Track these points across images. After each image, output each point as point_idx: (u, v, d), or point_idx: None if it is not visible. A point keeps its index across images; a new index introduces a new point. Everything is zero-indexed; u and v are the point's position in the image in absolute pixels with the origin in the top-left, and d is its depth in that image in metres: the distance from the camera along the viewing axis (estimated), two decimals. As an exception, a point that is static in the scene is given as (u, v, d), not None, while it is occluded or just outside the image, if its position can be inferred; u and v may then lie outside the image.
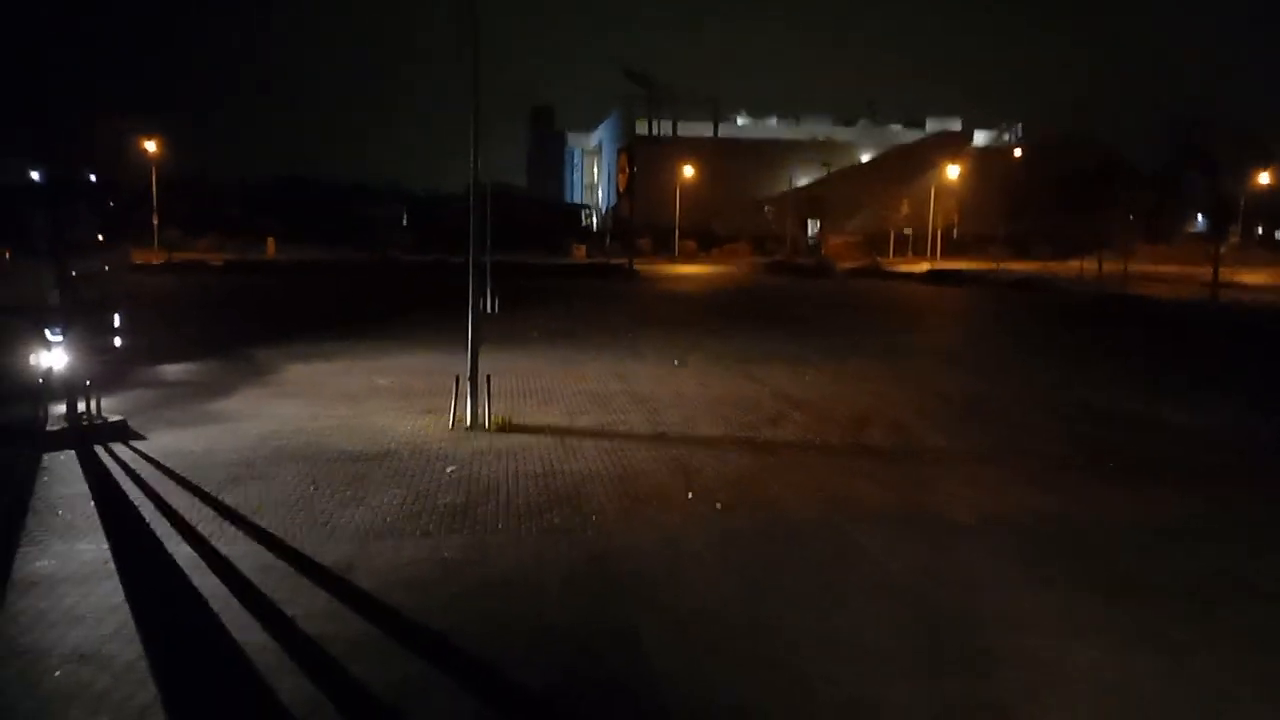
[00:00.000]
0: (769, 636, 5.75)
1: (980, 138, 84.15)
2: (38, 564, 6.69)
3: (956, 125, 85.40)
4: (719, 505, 8.37)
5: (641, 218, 63.27)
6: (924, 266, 49.79)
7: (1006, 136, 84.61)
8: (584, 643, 5.63)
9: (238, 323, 22.29)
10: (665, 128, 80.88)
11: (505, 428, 11.12)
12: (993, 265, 46.97)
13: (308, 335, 19.34)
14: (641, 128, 79.04)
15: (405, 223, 67.56)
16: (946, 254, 60.92)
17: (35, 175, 11.82)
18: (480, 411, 11.21)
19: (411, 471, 9.32)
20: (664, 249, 64.79)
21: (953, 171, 63.67)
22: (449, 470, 9.34)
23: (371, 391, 13.55)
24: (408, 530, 7.57)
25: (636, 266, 47.51)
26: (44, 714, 4.69)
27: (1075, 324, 26.28)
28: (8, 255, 12.47)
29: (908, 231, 66.44)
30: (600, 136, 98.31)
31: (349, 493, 8.55)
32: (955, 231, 66.29)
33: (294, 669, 5.20)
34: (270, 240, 54.10)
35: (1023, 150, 74.23)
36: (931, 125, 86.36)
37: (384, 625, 5.84)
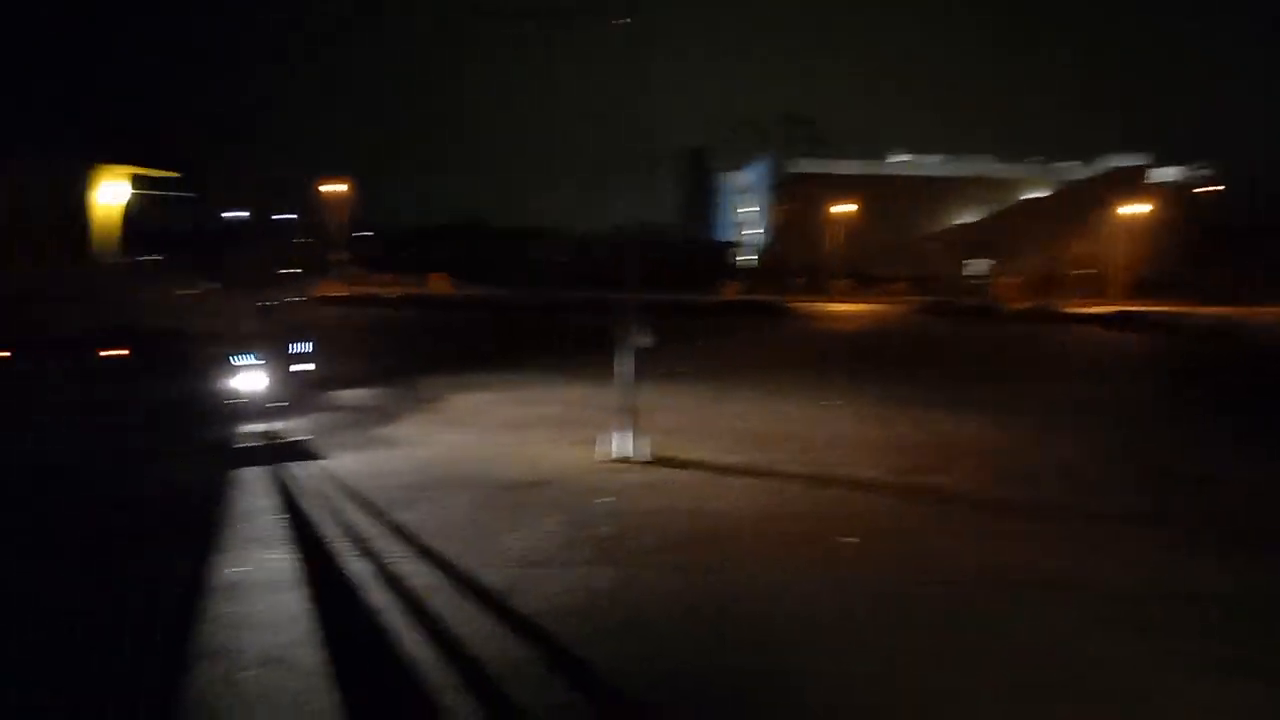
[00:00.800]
0: (936, 704, 5.55)
1: (1163, 174, 79.12)
2: (231, 571, 7.28)
3: (1133, 161, 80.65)
4: (872, 554, 8.16)
5: (795, 256, 62.95)
6: (1101, 308, 46.90)
7: (1196, 174, 79.16)
8: (730, 686, 5.61)
9: (407, 353, 23.60)
10: (820, 165, 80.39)
11: (658, 462, 11.25)
12: (1179, 308, 43.73)
13: (470, 366, 20.23)
14: (796, 165, 78.86)
15: (567, 261, 69.82)
16: (1128, 296, 57.37)
17: (238, 216, 12.94)
18: (633, 445, 11.40)
19: (566, 501, 9.57)
20: (818, 287, 64.07)
21: (1133, 209, 60.07)
22: (603, 501, 9.54)
23: (529, 421, 14.02)
24: (562, 559, 7.77)
25: (790, 304, 47.14)
26: (239, 712, 5.09)
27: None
28: (211, 286, 13.72)
29: (1082, 271, 63.02)
30: (753, 175, 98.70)
31: (508, 519, 8.87)
32: (1137, 273, 62.41)
33: (459, 686, 5.44)
34: (438, 276, 57.07)
35: (1211, 188, 69.28)
36: (1104, 161, 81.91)
37: (540, 651, 6.02)
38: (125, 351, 13.88)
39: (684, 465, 11.23)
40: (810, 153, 79.38)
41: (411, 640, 6.02)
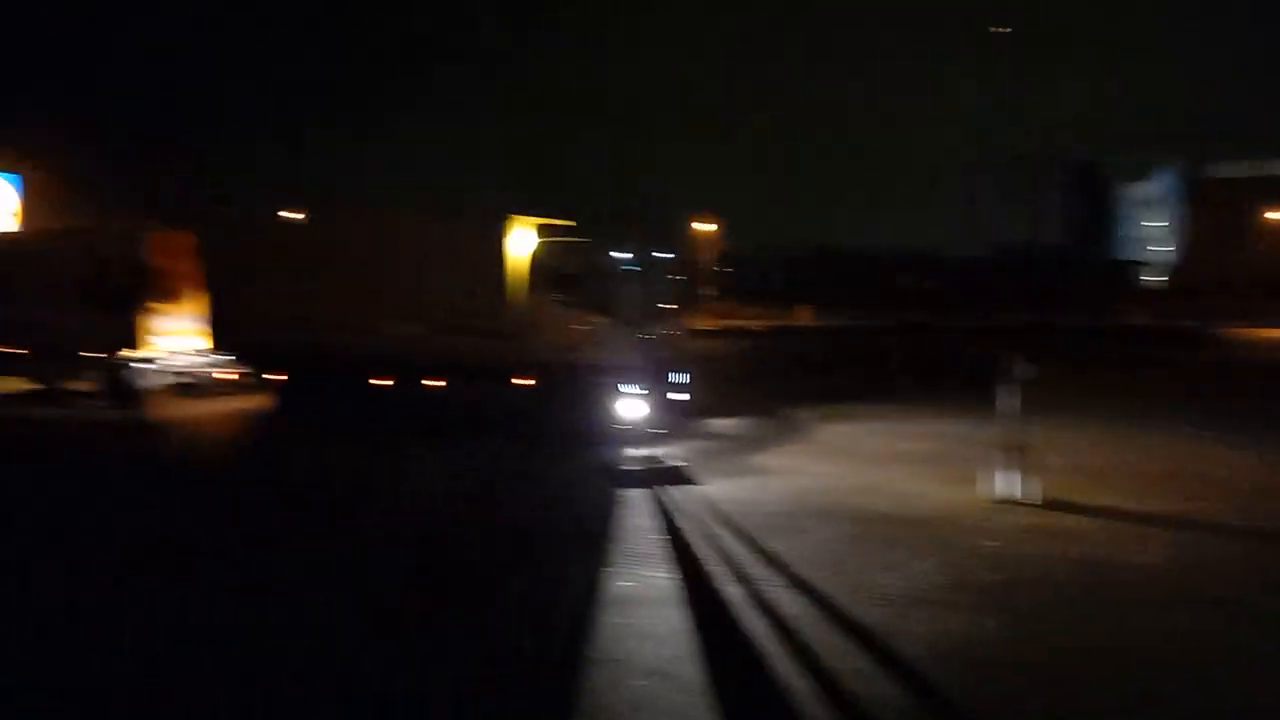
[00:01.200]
0: None
1: None
2: (619, 585, 7.80)
3: None
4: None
5: (1213, 273, 54.61)
6: None
7: None
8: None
9: (775, 384, 23.99)
10: (1251, 168, 69.05)
11: (1052, 505, 10.24)
12: None
13: (838, 397, 20.03)
14: (1216, 170, 68.68)
15: (934, 286, 67.09)
16: None
17: (623, 257, 14.02)
18: (1021, 485, 10.49)
19: (945, 541, 9.04)
20: (1253, 310, 53.34)
21: None
22: (986, 545, 8.88)
23: (900, 455, 13.52)
24: (940, 602, 7.32)
25: (1220, 331, 40.34)
26: (628, 717, 5.39)
27: None
28: (601, 320, 15.00)
29: None
30: (1157, 186, 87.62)
31: (883, 556, 8.57)
32: None
33: (834, 721, 5.32)
34: (803, 308, 57.59)
35: None
36: None
37: (917, 696, 5.70)
38: (532, 381, 15.64)
39: (1086, 510, 10.12)
40: (1232, 155, 68.69)
41: (786, 668, 6.01)
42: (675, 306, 16.36)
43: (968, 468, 11.82)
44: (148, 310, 17.38)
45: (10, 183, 30.79)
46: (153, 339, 18.67)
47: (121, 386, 17.96)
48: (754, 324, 50.87)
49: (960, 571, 8.07)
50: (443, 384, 16.32)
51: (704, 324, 47.81)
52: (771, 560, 8.43)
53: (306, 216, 18.23)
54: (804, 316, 56.55)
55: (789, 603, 7.29)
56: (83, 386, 19.74)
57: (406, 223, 17.79)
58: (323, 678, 6.02)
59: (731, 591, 7.60)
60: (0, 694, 5.76)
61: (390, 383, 16.57)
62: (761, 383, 24.53)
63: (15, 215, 30.15)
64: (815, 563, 8.32)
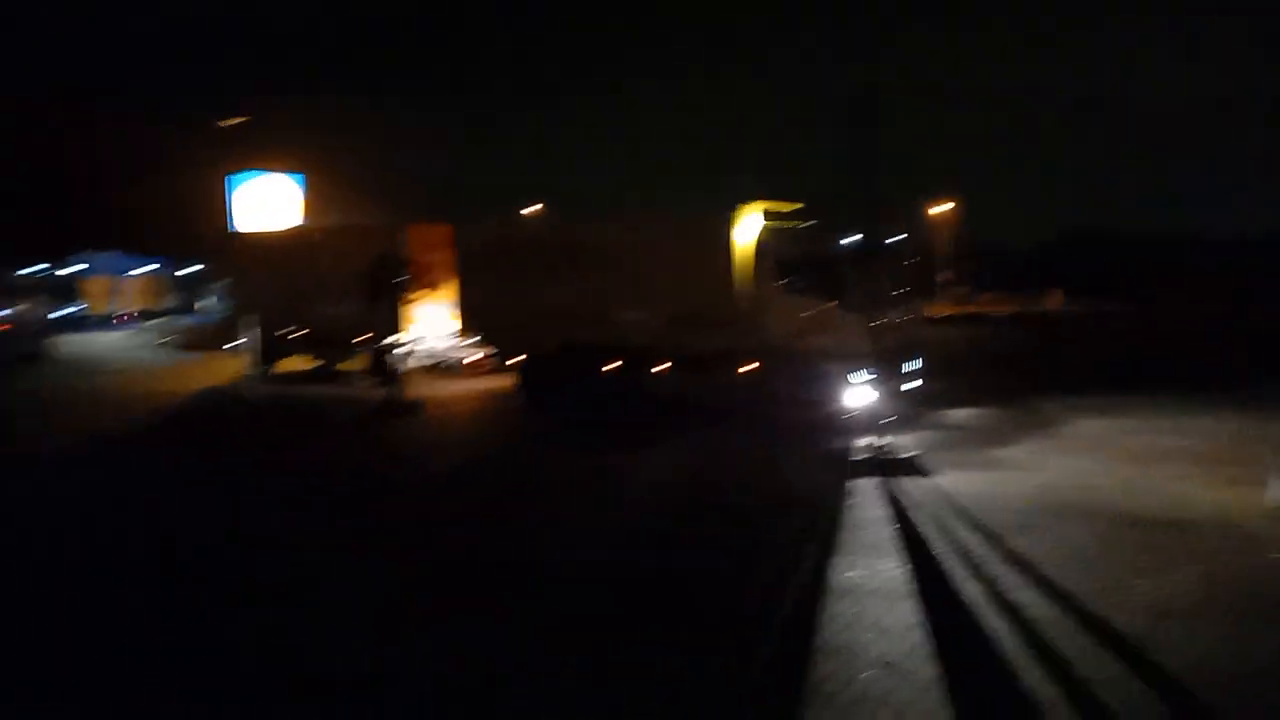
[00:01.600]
0: None
1: None
2: (848, 575, 7.68)
3: None
4: None
5: None
6: None
7: None
8: None
9: (1021, 373, 22.52)
10: None
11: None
12: None
13: (1094, 388, 18.52)
14: None
15: (1207, 270, 60.12)
16: None
17: (853, 240, 13.67)
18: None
19: (1214, 549, 8.16)
20: None
21: None
22: (1273, 556, 7.93)
23: (1164, 454, 12.30)
24: (1211, 615, 6.63)
25: None
26: (855, 710, 5.33)
27: None
28: (829, 307, 14.72)
29: None
30: None
31: (1140, 561, 7.88)
32: None
33: (1083, 734, 4.98)
34: (1054, 293, 53.50)
35: None
36: None
37: (1181, 713, 5.22)
38: (756, 366, 15.67)
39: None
40: None
41: (1028, 673, 5.69)
42: (909, 292, 15.73)
43: (1249, 470, 10.61)
44: (409, 298, 19.03)
45: (296, 182, 34.72)
46: (412, 324, 20.47)
47: (386, 367, 19.82)
48: (996, 310, 47.91)
49: (1229, 581, 7.27)
50: (667, 370, 16.73)
51: (941, 310, 45.73)
52: (1014, 558, 7.99)
53: (549, 215, 19.23)
54: (1053, 303, 52.53)
55: (1033, 603, 6.88)
56: (353, 367, 22.06)
57: (640, 218, 18.38)
58: (573, 651, 6.41)
59: (969, 588, 7.28)
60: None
61: (620, 368, 17.21)
62: (1004, 372, 23.11)
63: (299, 212, 33.96)
64: (1061, 564, 7.78)
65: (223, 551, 8.84)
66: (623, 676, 5.87)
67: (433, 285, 18.78)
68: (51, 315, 31.36)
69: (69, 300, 40.16)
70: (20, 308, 28.32)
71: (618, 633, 6.61)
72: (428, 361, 21.82)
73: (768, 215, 16.02)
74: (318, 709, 5.59)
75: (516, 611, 7.04)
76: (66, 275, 39.57)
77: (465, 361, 21.52)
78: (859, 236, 13.21)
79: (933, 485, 10.80)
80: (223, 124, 21.48)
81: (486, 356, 21.36)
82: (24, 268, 28.82)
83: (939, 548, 8.39)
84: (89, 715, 5.58)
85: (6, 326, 27.79)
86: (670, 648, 6.31)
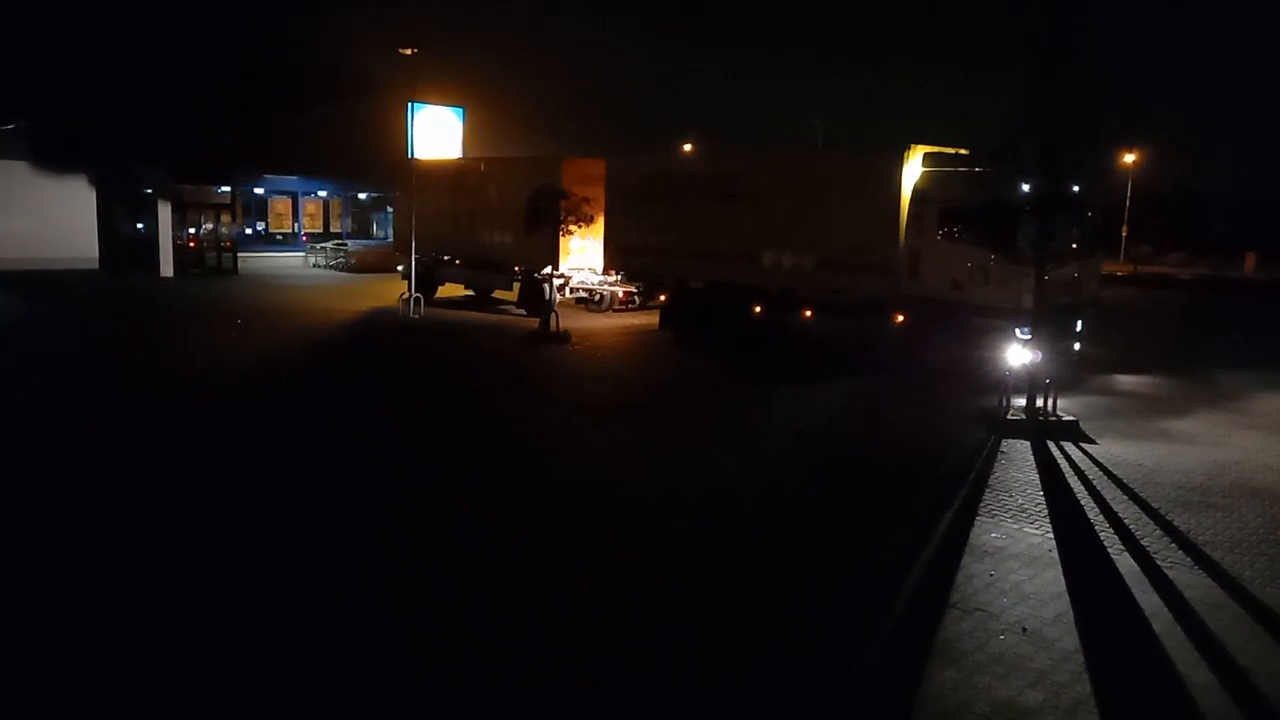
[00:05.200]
0: None
1: None
2: (992, 536, 7.37)
3: None
4: None
5: None
6: None
7: None
8: None
9: (1200, 340, 20.81)
10: None
11: None
12: None
13: (1284, 362, 16.91)
14: None
15: None
16: None
17: (1025, 188, 12.79)
18: None
19: None
20: None
21: None
22: None
23: (1367, 438, 11.12)
24: (1407, 616, 5.98)
25: None
26: (987, 671, 5.13)
27: None
28: (993, 259, 13.89)
29: None
30: None
31: (1325, 550, 7.18)
32: None
33: (1239, 725, 4.63)
34: (1250, 256, 48.83)
35: None
36: None
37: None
38: (910, 316, 15.06)
39: None
40: None
41: (1181, 656, 5.32)
42: (1082, 247, 14.65)
43: None
44: (564, 231, 19.31)
45: (456, 115, 35.64)
46: (565, 257, 20.82)
47: (537, 297, 20.29)
48: (1180, 272, 44.32)
49: None
50: (814, 315, 16.35)
51: (1119, 270, 42.71)
52: (1175, 535, 7.45)
53: (700, 152, 18.81)
54: (1247, 266, 48.00)
55: (1192, 584, 6.41)
56: (506, 296, 22.74)
57: (800, 159, 17.86)
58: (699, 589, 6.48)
59: (1122, 561, 6.85)
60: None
61: (764, 312, 16.95)
62: (1183, 338, 21.40)
63: (458, 144, 34.90)
64: (1231, 545, 7.21)
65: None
66: (744, 613, 5.88)
67: (588, 219, 18.98)
68: (239, 232, 33.74)
69: (255, 219, 43.13)
70: (209, 226, 30.55)
71: (747, 573, 6.61)
72: (579, 294, 22.21)
73: (930, 159, 15.22)
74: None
75: (641, 538, 7.16)
76: (253, 195, 42.45)
77: (615, 295, 21.78)
78: (1032, 184, 12.29)
79: (1092, 452, 10.19)
80: (402, 52, 22.10)
81: (634, 292, 21.53)
82: (216, 186, 30.96)
83: (1093, 517, 7.93)
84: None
85: (194, 244, 30.13)
86: (800, 592, 6.27)
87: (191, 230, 30.17)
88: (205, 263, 30.29)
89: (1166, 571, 6.63)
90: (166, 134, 29.00)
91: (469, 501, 8.14)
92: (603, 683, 4.95)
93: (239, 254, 31.59)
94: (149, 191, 29.67)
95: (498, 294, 23.57)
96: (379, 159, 29.53)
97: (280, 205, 44.17)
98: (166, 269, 29.31)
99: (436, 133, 33.63)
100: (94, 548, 6.77)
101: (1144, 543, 7.26)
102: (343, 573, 6.39)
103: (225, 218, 31.35)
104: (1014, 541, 7.22)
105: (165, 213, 29.34)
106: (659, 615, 5.81)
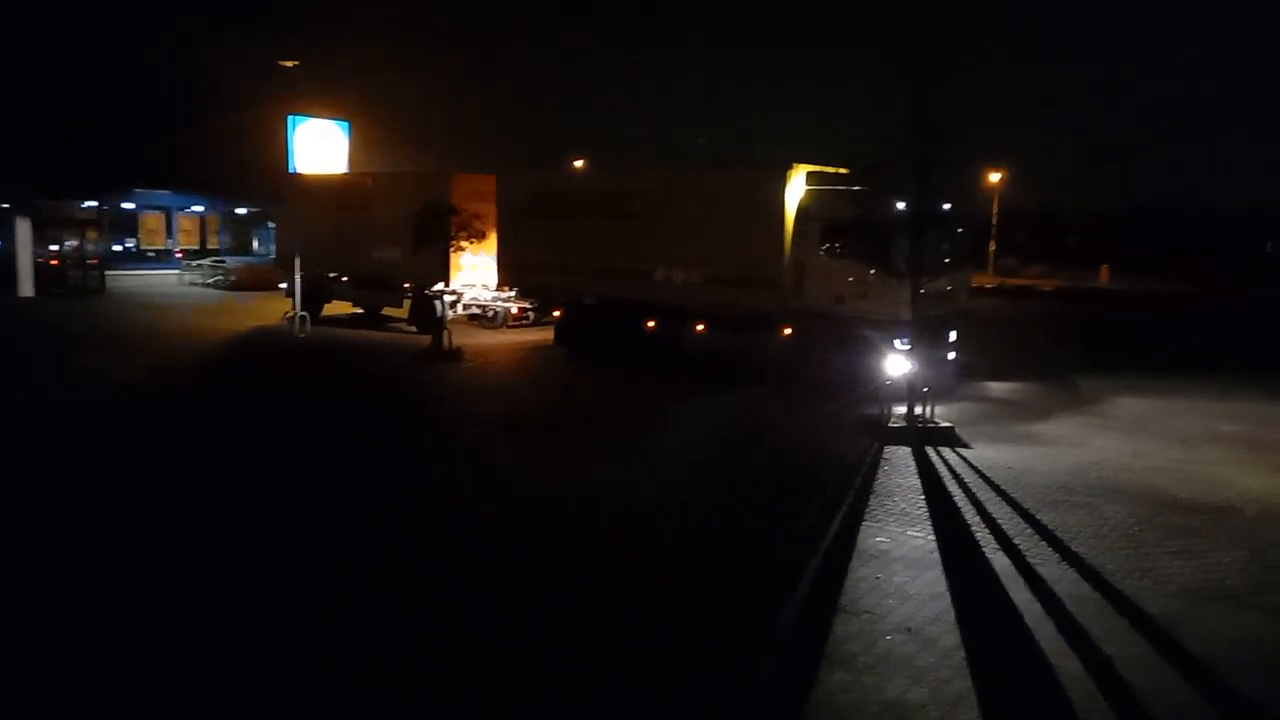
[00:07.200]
0: None
1: None
2: (877, 540, 7.67)
3: None
4: None
5: None
6: None
7: None
8: None
9: (1062, 347, 22.12)
10: None
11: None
12: None
13: (1138, 366, 18.16)
14: None
15: (1272, 250, 58.24)
16: None
17: (900, 205, 13.42)
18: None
19: (1257, 534, 8.03)
20: None
21: None
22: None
23: (1211, 437, 12.06)
24: (1250, 601, 6.54)
25: None
26: (876, 670, 5.35)
27: None
28: (872, 274, 14.47)
29: None
30: None
31: (1177, 543, 7.77)
32: None
33: (1106, 711, 4.96)
34: (1104, 269, 52.24)
35: None
36: None
37: (1211, 697, 5.18)
38: (795, 331, 15.53)
39: None
40: None
41: (1052, 648, 5.67)
42: (954, 261, 15.42)
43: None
44: (455, 247, 19.10)
45: (341, 129, 34.83)
46: (456, 274, 20.58)
47: (428, 314, 19.99)
48: (1042, 283, 47.01)
49: (1273, 567, 7.16)
50: (705, 329, 16.67)
51: (987, 281, 44.90)
52: (1044, 534, 7.92)
53: (591, 169, 18.94)
54: (1101, 278, 51.31)
55: (1062, 579, 6.84)
56: (396, 313, 22.30)
57: (689, 176, 18.18)
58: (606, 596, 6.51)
59: (998, 560, 7.25)
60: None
61: (657, 326, 17.18)
62: (1047, 346, 22.72)
63: (344, 159, 34.09)
64: (1094, 542, 7.71)
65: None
66: (642, 626, 5.95)
67: (479, 235, 18.84)
68: (106, 249, 31.99)
69: (124, 235, 40.98)
70: (73, 243, 28.89)
71: (637, 587, 6.69)
72: (471, 310, 21.98)
73: (812, 178, 15.77)
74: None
75: (537, 558, 7.16)
76: (122, 211, 40.38)
77: (507, 312, 21.65)
78: (907, 202, 12.90)
79: (967, 457, 10.71)
80: (283, 64, 21.48)
81: (528, 308, 21.46)
82: (81, 201, 29.35)
83: (969, 519, 8.35)
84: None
85: (56, 261, 28.43)
86: (693, 602, 6.38)
87: (54, 248, 28.45)
88: (69, 282, 28.58)
89: (1037, 568, 7.05)
90: (24, 148, 27.35)
91: (372, 522, 7.97)
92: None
93: (107, 272, 29.97)
94: (5, 207, 27.86)
95: (387, 311, 23.09)
96: (260, 173, 28.57)
97: (152, 221, 42.10)
98: (26, 289, 27.56)
99: (321, 146, 32.73)
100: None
101: (1016, 541, 7.69)
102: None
103: (91, 234, 29.69)
104: (898, 545, 7.54)
105: (24, 229, 27.56)
106: (557, 629, 5.82)
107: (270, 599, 6.32)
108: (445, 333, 17.84)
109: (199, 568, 6.84)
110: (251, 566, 6.90)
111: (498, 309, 21.79)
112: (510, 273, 20.15)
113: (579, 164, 36.99)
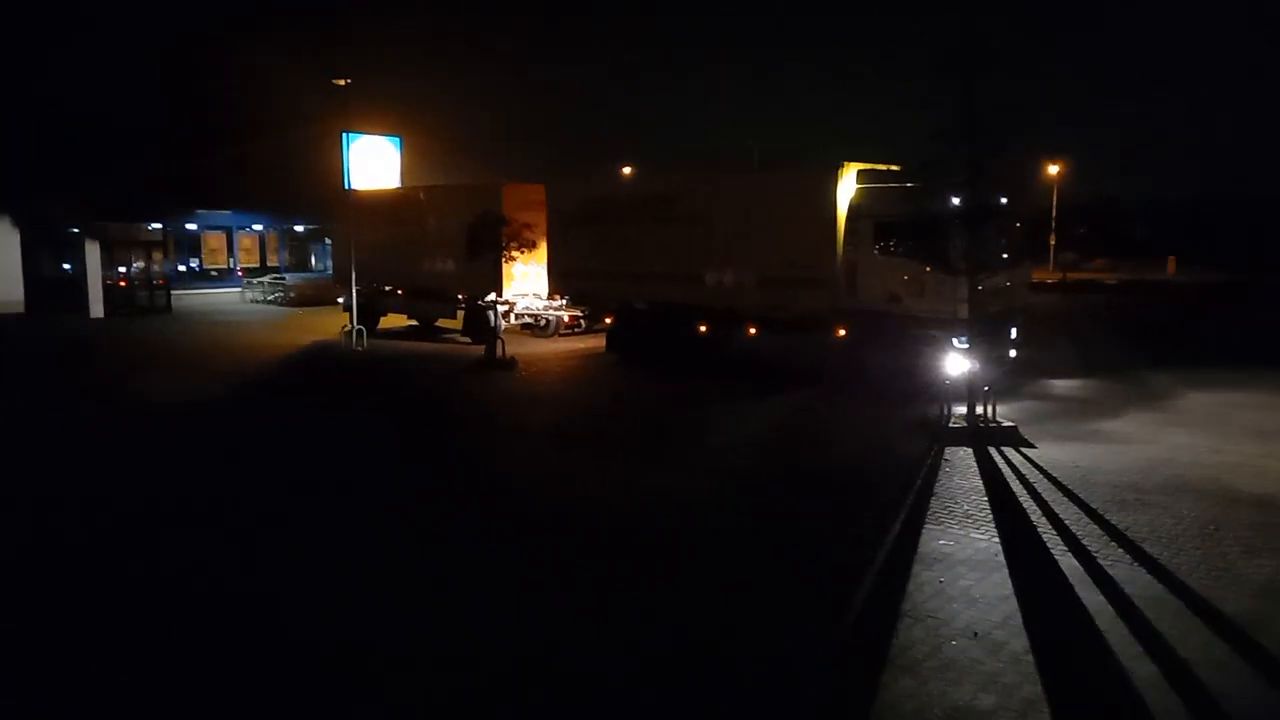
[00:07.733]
0: None
1: None
2: (939, 543, 7.53)
3: None
4: None
5: None
6: None
7: None
8: None
9: (1130, 342, 21.51)
10: None
11: None
12: None
13: (1208, 360, 17.58)
14: None
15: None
16: None
17: (954, 200, 13.15)
18: None
19: (1341, 532, 7.70)
20: None
21: None
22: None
23: (1287, 431, 11.62)
24: (1332, 601, 6.27)
25: None
26: (941, 677, 5.24)
27: None
28: (928, 271, 14.22)
29: None
30: None
31: (1255, 540, 7.50)
32: None
33: (1184, 717, 4.79)
34: (1171, 260, 50.73)
35: None
36: None
37: (1296, 703, 4.97)
38: (851, 331, 15.33)
39: None
40: None
41: (1126, 652, 5.49)
42: (1013, 256, 15.07)
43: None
44: (506, 258, 19.29)
45: (393, 144, 35.39)
46: (509, 284, 20.78)
47: (482, 325, 20.21)
48: (1106, 277, 45.84)
49: (1359, 568, 6.86)
50: (758, 332, 16.54)
51: (1049, 277, 43.89)
52: (1114, 534, 7.70)
53: (643, 175, 18.98)
54: (1167, 271, 49.83)
55: (1133, 580, 6.63)
56: (450, 324, 22.58)
57: (738, 178, 18.10)
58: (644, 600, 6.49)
59: (1065, 562, 7.06)
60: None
61: (709, 330, 17.11)
62: (1112, 342, 22.12)
63: (396, 174, 34.63)
64: (1166, 542, 7.47)
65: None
66: (702, 627, 5.91)
67: (530, 245, 19.00)
68: (172, 269, 32.98)
69: (188, 255, 42.21)
70: (140, 264, 29.82)
71: (698, 590, 6.65)
72: (524, 320, 22.16)
73: (864, 176, 15.57)
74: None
75: (589, 567, 7.17)
76: (185, 231, 41.60)
77: (560, 319, 21.78)
78: (962, 197, 12.65)
79: (1032, 456, 10.47)
80: (335, 82, 21.91)
81: (579, 316, 21.57)
82: (146, 223, 30.32)
83: (1035, 520, 8.15)
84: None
85: (124, 283, 29.36)
86: (752, 607, 6.32)
87: (122, 269, 29.40)
88: (137, 302, 29.50)
89: (1107, 569, 6.85)
90: (91, 171, 28.32)
91: (429, 526, 8.06)
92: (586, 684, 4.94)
93: (172, 291, 30.89)
94: (75, 230, 28.87)
95: (441, 323, 23.39)
96: (315, 190, 29.19)
97: (214, 240, 43.25)
98: (97, 310, 28.51)
99: (374, 162, 33.30)
100: None
101: (1085, 542, 7.48)
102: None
103: (157, 255, 30.62)
104: (961, 547, 7.39)
105: (93, 252, 28.51)
106: (622, 630, 5.82)
107: (354, 595, 6.42)
108: (499, 342, 18.01)
109: (260, 567, 6.99)
110: (312, 564, 7.03)
111: (550, 318, 21.94)
112: (562, 281, 20.28)
113: (627, 170, 37.12)
